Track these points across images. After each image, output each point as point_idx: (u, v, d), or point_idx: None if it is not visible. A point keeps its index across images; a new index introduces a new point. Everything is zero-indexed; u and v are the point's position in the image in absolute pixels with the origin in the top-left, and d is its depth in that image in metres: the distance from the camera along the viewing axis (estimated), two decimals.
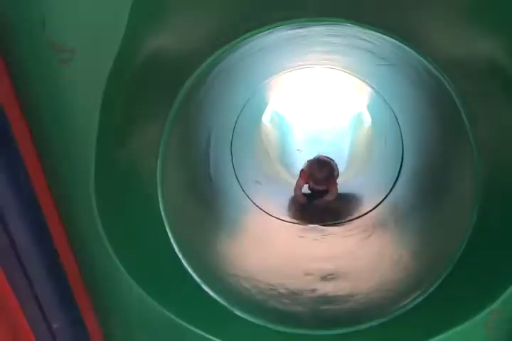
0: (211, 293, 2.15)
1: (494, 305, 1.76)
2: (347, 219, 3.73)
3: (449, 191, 2.59)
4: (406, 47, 2.07)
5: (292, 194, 4.58)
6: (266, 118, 5.73)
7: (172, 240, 2.12)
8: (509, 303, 1.75)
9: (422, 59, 2.09)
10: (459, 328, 1.82)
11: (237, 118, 3.92)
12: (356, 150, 5.66)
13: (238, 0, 1.90)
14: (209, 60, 2.10)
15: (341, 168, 5.23)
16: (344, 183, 4.90)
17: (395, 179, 3.79)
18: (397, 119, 3.79)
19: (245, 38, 2.08)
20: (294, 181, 4.79)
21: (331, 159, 4.51)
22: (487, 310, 1.78)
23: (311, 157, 4.72)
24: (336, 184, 4.36)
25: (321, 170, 4.22)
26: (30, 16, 1.42)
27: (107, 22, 1.47)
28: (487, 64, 1.80)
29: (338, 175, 4.47)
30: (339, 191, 4.66)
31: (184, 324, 1.92)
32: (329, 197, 4.28)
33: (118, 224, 1.86)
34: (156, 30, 1.71)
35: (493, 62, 1.75)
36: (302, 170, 4.38)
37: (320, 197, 4.32)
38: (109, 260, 1.80)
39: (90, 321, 1.90)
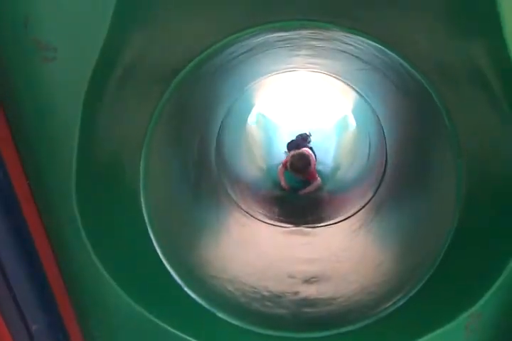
0: (193, 296, 2.14)
1: (474, 309, 1.78)
2: (331, 221, 3.74)
3: (432, 193, 2.62)
4: (389, 51, 2.09)
5: (277, 196, 4.63)
6: (252, 120, 5.75)
7: (154, 242, 2.11)
8: (489, 306, 1.77)
9: (404, 63, 2.11)
10: (439, 331, 1.84)
11: (223, 119, 3.92)
12: (341, 153, 5.70)
13: (223, 2, 1.90)
14: (195, 61, 2.09)
15: (326, 170, 5.28)
16: (329, 186, 4.95)
17: (378, 182, 3.82)
18: (380, 123, 3.82)
19: (231, 40, 2.08)
20: (278, 184, 4.86)
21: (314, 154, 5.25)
22: (467, 313, 1.80)
23: None
24: (316, 177, 5.02)
25: (299, 160, 4.95)
26: (14, 13, 1.41)
27: (91, 20, 1.45)
28: (468, 69, 1.82)
29: (315, 170, 5.14)
30: (324, 193, 4.73)
31: (166, 326, 1.90)
32: (310, 188, 4.93)
33: (99, 225, 1.84)
34: (140, 29, 1.70)
35: (474, 67, 1.77)
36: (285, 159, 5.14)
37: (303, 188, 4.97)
38: (90, 261, 1.77)
39: (70, 323, 1.87)
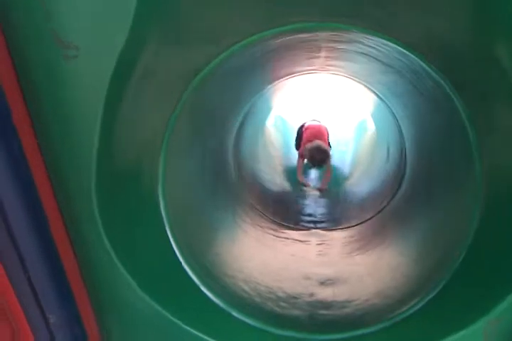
0: (209, 295, 2.14)
1: (492, 314, 1.75)
2: (348, 225, 3.73)
3: (450, 199, 2.59)
4: (410, 54, 2.08)
5: (294, 198, 4.63)
6: (270, 123, 5.75)
7: (172, 241, 2.12)
8: (507, 312, 1.74)
9: (426, 66, 2.09)
10: (456, 336, 1.81)
11: (241, 121, 3.93)
12: (359, 157, 5.67)
13: (243, 4, 1.91)
14: (214, 62, 2.11)
15: (344, 174, 5.26)
16: (347, 189, 4.93)
17: (396, 187, 3.79)
18: (400, 127, 3.80)
19: (250, 41, 2.09)
20: (295, 186, 4.86)
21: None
22: (485, 319, 1.77)
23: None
24: (329, 171, 5.02)
25: (320, 154, 4.90)
26: (36, 11, 1.43)
27: (113, 19, 1.47)
28: (491, 72, 1.79)
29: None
30: (341, 197, 4.71)
31: (181, 324, 1.91)
32: (324, 183, 4.97)
33: (118, 223, 1.86)
34: (161, 30, 1.72)
35: (497, 70, 1.74)
36: (300, 153, 5.12)
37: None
38: (109, 259, 1.79)
39: (88, 317, 1.90)
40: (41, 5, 1.43)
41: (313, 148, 4.91)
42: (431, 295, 2.10)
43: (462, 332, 1.81)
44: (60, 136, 1.63)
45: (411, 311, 2.10)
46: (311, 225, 3.76)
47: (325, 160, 4.91)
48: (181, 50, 1.93)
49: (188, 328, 1.91)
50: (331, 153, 5.06)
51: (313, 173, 5.30)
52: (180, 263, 2.13)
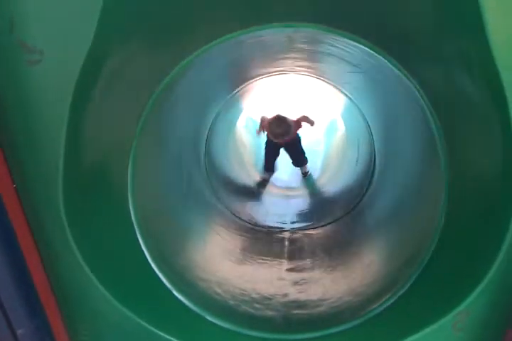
0: (182, 299, 2.13)
1: (461, 307, 1.79)
2: (320, 224, 3.75)
3: (418, 197, 2.64)
4: (378, 55, 2.10)
5: (266, 199, 4.64)
6: (241, 124, 5.75)
7: (143, 245, 2.09)
8: (476, 304, 1.78)
9: (393, 67, 2.12)
10: (428, 329, 1.84)
11: (212, 123, 3.92)
12: (330, 156, 5.72)
13: (211, 5, 1.90)
14: (181, 64, 2.09)
15: (315, 174, 5.30)
16: (318, 189, 4.97)
17: (366, 186, 3.84)
18: (369, 127, 3.85)
19: (217, 44, 2.08)
20: (268, 187, 4.87)
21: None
22: (455, 312, 1.81)
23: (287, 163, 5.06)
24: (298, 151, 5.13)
25: (278, 125, 4.61)
26: (0, 17, 1.40)
27: (78, 22, 1.45)
28: (459, 72, 1.83)
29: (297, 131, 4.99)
30: (312, 197, 4.74)
31: (155, 330, 1.89)
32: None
33: (87, 230, 1.82)
34: (126, 33, 1.70)
35: (465, 69, 1.78)
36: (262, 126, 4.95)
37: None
38: (78, 266, 1.75)
39: (57, 327, 1.85)
40: (5, 10, 1.40)
41: (272, 120, 4.64)
42: (402, 291, 2.14)
43: (432, 326, 1.84)
44: (25, 141, 1.59)
45: (382, 307, 2.14)
46: (284, 225, 3.77)
47: (287, 131, 4.61)
48: (149, 52, 1.91)
49: (162, 334, 1.89)
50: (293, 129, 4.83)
51: (284, 170, 5.31)
52: (152, 268, 2.10)
